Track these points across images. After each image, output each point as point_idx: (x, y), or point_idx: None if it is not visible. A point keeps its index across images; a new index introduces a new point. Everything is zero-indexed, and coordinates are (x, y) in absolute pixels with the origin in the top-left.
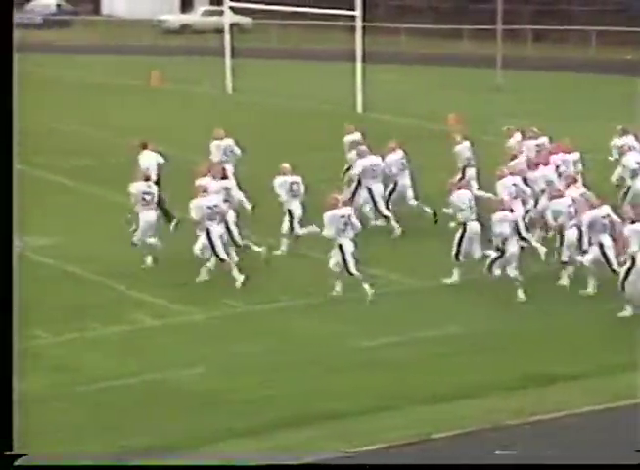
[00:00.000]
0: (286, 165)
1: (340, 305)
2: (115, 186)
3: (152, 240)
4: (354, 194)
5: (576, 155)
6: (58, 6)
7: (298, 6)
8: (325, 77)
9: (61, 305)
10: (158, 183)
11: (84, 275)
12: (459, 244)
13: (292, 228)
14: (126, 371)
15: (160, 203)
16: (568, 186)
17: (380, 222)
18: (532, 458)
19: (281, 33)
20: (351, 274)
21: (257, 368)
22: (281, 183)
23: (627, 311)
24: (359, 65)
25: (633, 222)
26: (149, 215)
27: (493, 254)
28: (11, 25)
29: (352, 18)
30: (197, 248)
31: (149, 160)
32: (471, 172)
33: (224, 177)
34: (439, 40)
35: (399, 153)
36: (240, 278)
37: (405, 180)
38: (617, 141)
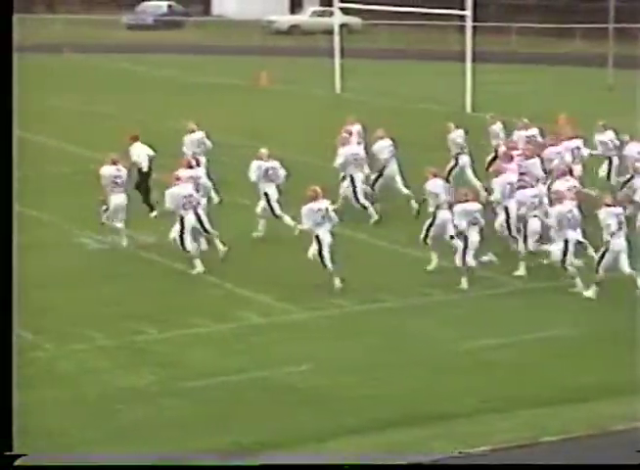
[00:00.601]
0: (263, 151)
1: (443, 307)
2: (231, 188)
3: (120, 224)
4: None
5: (578, 142)
6: (169, 7)
7: (408, 6)
8: (434, 78)
9: (167, 302)
10: (148, 174)
11: (191, 273)
12: (428, 229)
13: (272, 210)
14: (232, 368)
15: (146, 192)
16: (558, 178)
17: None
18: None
19: (390, 34)
20: (325, 266)
21: (362, 367)
22: (256, 167)
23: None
24: (469, 65)
25: (608, 206)
26: (119, 198)
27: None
28: (10, 25)
29: (462, 17)
30: (172, 235)
31: (139, 151)
32: (464, 160)
33: (191, 167)
34: (550, 39)
35: (387, 141)
36: (200, 268)
37: (393, 167)
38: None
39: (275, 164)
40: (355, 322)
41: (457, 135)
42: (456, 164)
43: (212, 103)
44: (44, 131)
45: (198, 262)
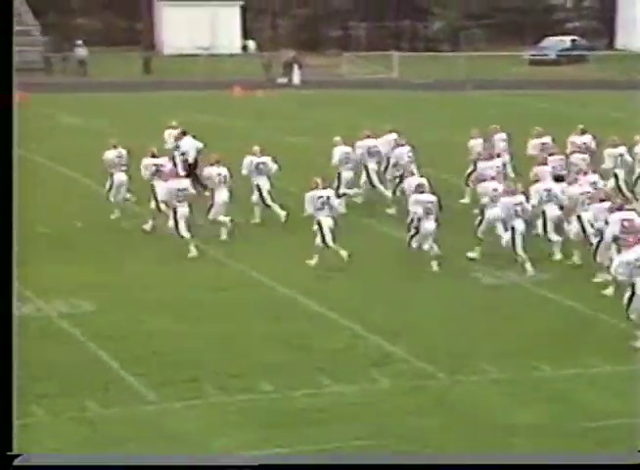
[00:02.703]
0: (256, 148)
1: None
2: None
3: (126, 196)
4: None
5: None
6: (572, 41)
7: None
8: None
9: (558, 338)
10: (195, 165)
11: None
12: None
13: (263, 200)
14: (628, 411)
15: (197, 179)
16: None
17: None
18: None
19: None
20: (328, 247)
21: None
22: (248, 162)
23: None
24: None
25: (602, 201)
26: (120, 176)
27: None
28: (11, 25)
29: None
30: (170, 225)
31: (188, 144)
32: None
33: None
34: None
35: (407, 147)
36: (194, 252)
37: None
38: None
39: (266, 159)
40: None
41: (477, 143)
42: (474, 170)
43: None
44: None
45: (193, 248)
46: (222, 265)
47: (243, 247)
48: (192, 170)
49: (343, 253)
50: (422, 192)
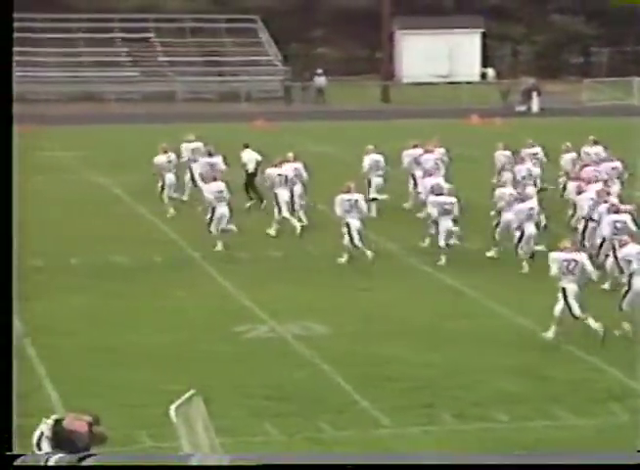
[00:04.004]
0: (278, 160)
1: None
2: None
3: (175, 194)
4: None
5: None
6: None
7: None
8: None
9: None
10: (255, 175)
11: None
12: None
13: (279, 210)
14: None
15: (253, 189)
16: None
17: None
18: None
19: None
20: (355, 246)
21: None
22: (270, 174)
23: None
24: None
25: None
26: (170, 177)
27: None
28: (11, 25)
29: None
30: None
31: (248, 156)
32: (507, 175)
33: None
34: None
35: (433, 154)
36: (219, 246)
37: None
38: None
39: (289, 172)
40: None
41: (503, 154)
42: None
43: None
44: None
45: (220, 245)
46: (458, 294)
47: (478, 276)
48: (251, 181)
49: (369, 253)
50: (439, 194)
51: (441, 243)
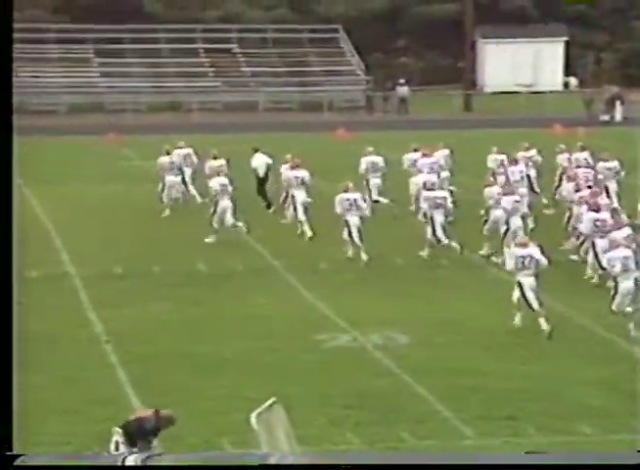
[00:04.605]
0: (296, 160)
1: None
2: None
3: (178, 195)
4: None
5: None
6: None
7: None
8: None
9: None
10: (265, 179)
11: None
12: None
13: (295, 212)
14: None
15: (263, 194)
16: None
17: None
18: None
19: None
20: (354, 242)
21: None
22: (286, 172)
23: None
24: None
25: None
26: (170, 179)
27: None
28: (11, 25)
29: None
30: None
31: (259, 161)
32: (501, 178)
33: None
34: None
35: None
36: (212, 240)
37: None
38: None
39: (304, 173)
40: None
41: (496, 157)
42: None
43: None
44: None
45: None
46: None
47: (559, 286)
48: (262, 185)
49: (364, 256)
50: (430, 189)
51: (440, 235)
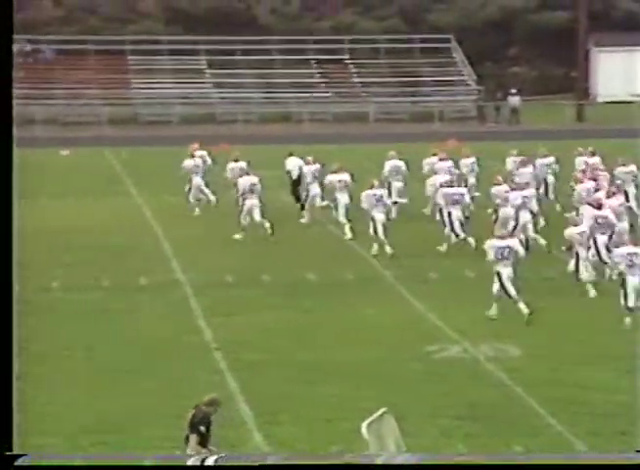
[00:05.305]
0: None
1: None
2: None
3: (203, 196)
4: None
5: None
6: None
7: None
8: None
9: None
10: (298, 181)
11: None
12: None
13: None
14: None
15: (297, 196)
16: (608, 197)
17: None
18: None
19: None
20: (378, 236)
21: None
22: (329, 176)
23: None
24: None
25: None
26: (197, 180)
27: None
28: (11, 25)
29: None
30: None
31: (292, 163)
32: (550, 179)
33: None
34: None
35: (470, 158)
36: (236, 237)
37: (471, 180)
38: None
39: (346, 176)
40: None
41: (513, 159)
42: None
43: None
44: None
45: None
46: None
47: None
48: (295, 187)
49: (389, 249)
50: (449, 186)
51: (458, 230)
